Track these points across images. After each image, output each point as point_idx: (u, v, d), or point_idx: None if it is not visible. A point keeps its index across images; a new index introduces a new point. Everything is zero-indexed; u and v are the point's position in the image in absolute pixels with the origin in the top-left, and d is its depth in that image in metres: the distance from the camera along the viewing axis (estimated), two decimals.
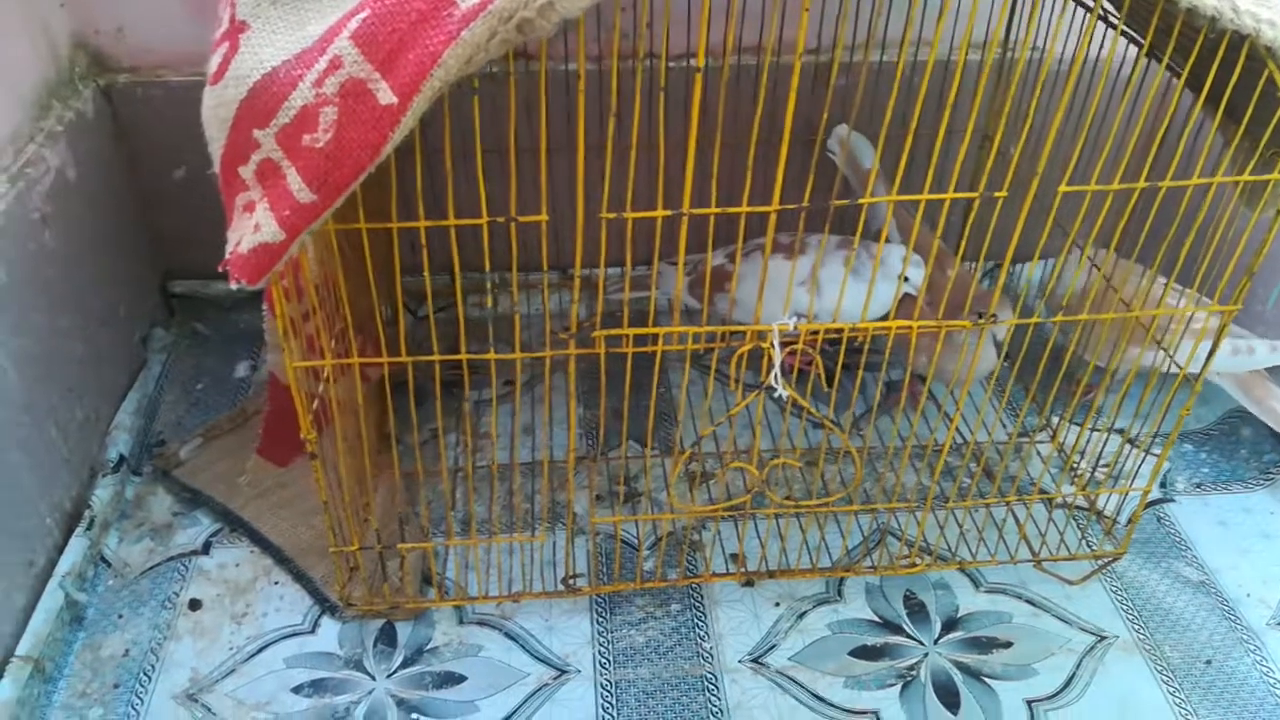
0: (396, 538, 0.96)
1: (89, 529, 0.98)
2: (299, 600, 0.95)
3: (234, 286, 0.60)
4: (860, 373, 0.91)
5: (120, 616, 0.93)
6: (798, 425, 1.13)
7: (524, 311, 1.28)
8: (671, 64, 1.16)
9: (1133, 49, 0.77)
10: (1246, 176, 0.75)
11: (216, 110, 0.63)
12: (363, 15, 0.57)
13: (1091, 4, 0.68)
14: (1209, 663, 0.91)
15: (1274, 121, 0.70)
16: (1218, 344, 0.84)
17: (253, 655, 0.90)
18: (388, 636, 0.92)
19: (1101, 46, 0.75)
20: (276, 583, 0.97)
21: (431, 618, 0.93)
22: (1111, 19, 0.77)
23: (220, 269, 0.61)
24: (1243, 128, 0.74)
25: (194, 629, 0.92)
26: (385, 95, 0.57)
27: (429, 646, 0.91)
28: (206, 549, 1.00)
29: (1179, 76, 0.73)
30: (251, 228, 0.59)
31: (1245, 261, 0.79)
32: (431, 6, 0.56)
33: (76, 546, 0.96)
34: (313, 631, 0.92)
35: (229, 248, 0.60)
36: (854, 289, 0.94)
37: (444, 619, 0.93)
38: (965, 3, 0.69)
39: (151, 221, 1.23)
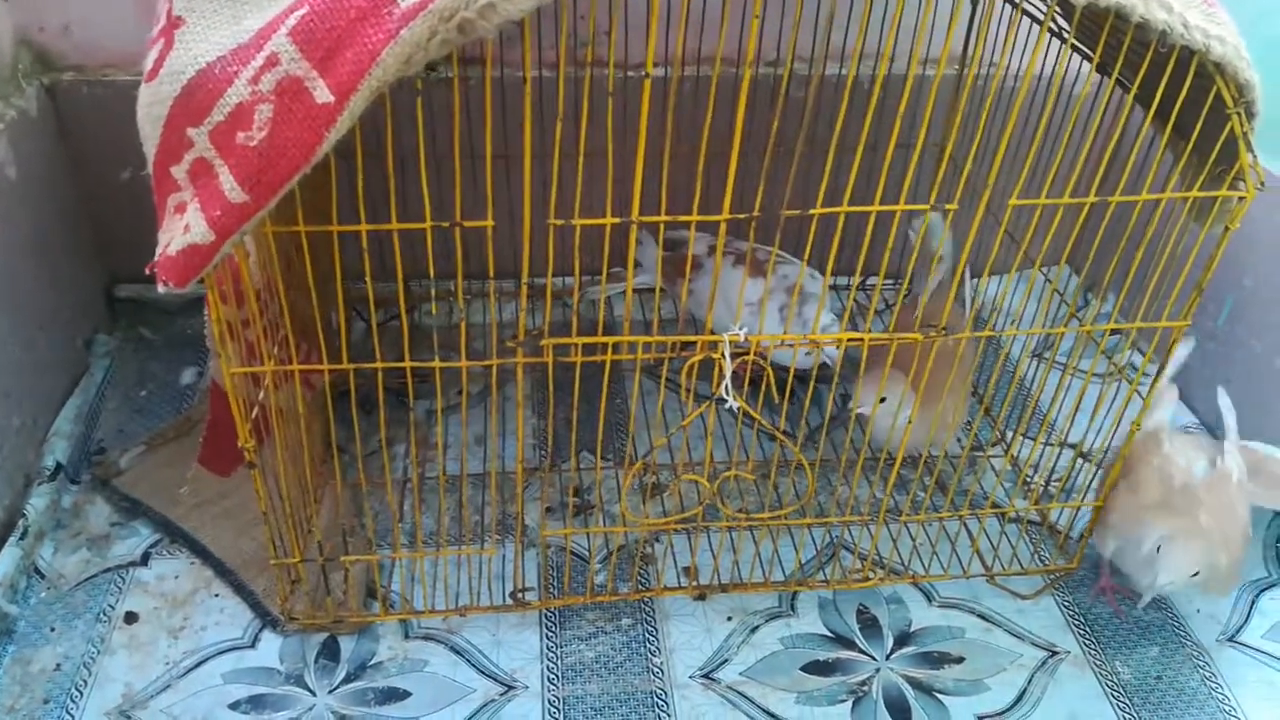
0: (340, 550, 0.94)
1: (23, 538, 0.94)
2: (239, 613, 0.92)
3: (161, 289, 0.58)
4: (812, 384, 0.90)
5: (52, 629, 0.90)
6: (751, 437, 1.12)
7: (477, 321, 1.27)
8: (630, 74, 1.15)
9: (1085, 65, 0.77)
10: (1195, 193, 0.75)
11: (151, 108, 0.61)
12: (301, 12, 0.56)
13: (1042, 18, 0.67)
14: (1159, 679, 0.91)
15: (1222, 138, 0.71)
16: (1168, 357, 0.85)
17: (189, 670, 0.87)
18: (330, 651, 0.90)
19: (1056, 61, 0.76)
20: (216, 595, 0.94)
21: (376, 632, 0.91)
22: (1063, 33, 0.77)
23: (147, 271, 0.59)
24: (1191, 144, 0.74)
25: (129, 643, 0.89)
26: (322, 94, 0.55)
27: (373, 661, 0.89)
28: (145, 560, 0.97)
29: (1129, 92, 0.73)
30: (181, 229, 0.57)
31: (1195, 276, 0.80)
32: (371, 4, 0.55)
33: (9, 556, 0.92)
34: (253, 646, 0.90)
35: (158, 249, 0.59)
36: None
37: (389, 633, 0.91)
38: (919, 17, 0.68)
39: (96, 223, 1.20)
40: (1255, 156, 0.72)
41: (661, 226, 0.68)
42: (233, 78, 0.56)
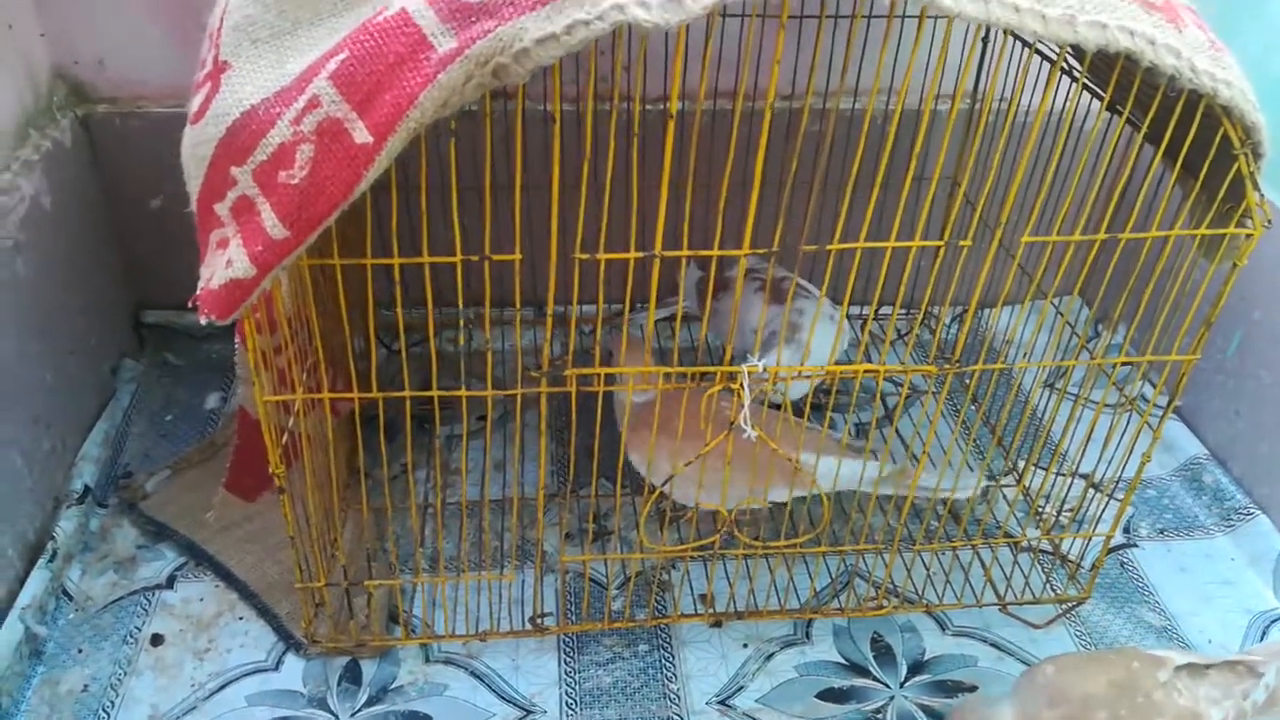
0: (364, 574, 0.95)
1: (51, 561, 0.96)
2: (263, 636, 0.94)
3: (203, 322, 0.60)
4: (828, 414, 0.91)
5: (80, 651, 0.92)
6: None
7: (499, 347, 1.29)
8: (649, 107, 1.18)
9: (1096, 102, 0.79)
10: (1203, 230, 0.77)
11: (196, 149, 0.63)
12: (342, 56, 0.58)
13: (1054, 58, 0.70)
14: None
15: (1229, 177, 0.73)
16: (1178, 392, 0.86)
17: (214, 692, 0.89)
18: (352, 674, 0.91)
19: (1067, 99, 0.77)
20: (241, 618, 0.96)
21: (397, 656, 0.93)
22: (1074, 72, 0.79)
23: (190, 304, 0.61)
24: (1199, 182, 0.76)
25: (155, 665, 0.91)
26: (361, 134, 0.57)
27: (394, 685, 0.90)
28: (171, 583, 0.99)
29: (1139, 130, 0.75)
30: (224, 263, 0.60)
31: (1204, 311, 0.81)
32: (409, 50, 0.57)
33: (38, 579, 0.94)
34: (276, 669, 0.91)
35: (200, 284, 0.61)
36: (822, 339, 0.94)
37: (410, 657, 0.93)
38: (935, 54, 0.71)
39: (125, 251, 1.23)
40: (1262, 195, 0.74)
41: (683, 262, 0.70)
42: (276, 119, 0.59)
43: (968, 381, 1.25)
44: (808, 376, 0.96)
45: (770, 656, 0.94)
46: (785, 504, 0.95)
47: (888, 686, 0.92)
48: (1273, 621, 1.01)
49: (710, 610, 0.97)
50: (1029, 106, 0.85)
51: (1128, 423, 0.91)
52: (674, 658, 0.94)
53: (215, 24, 0.65)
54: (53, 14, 1.09)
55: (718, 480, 0.86)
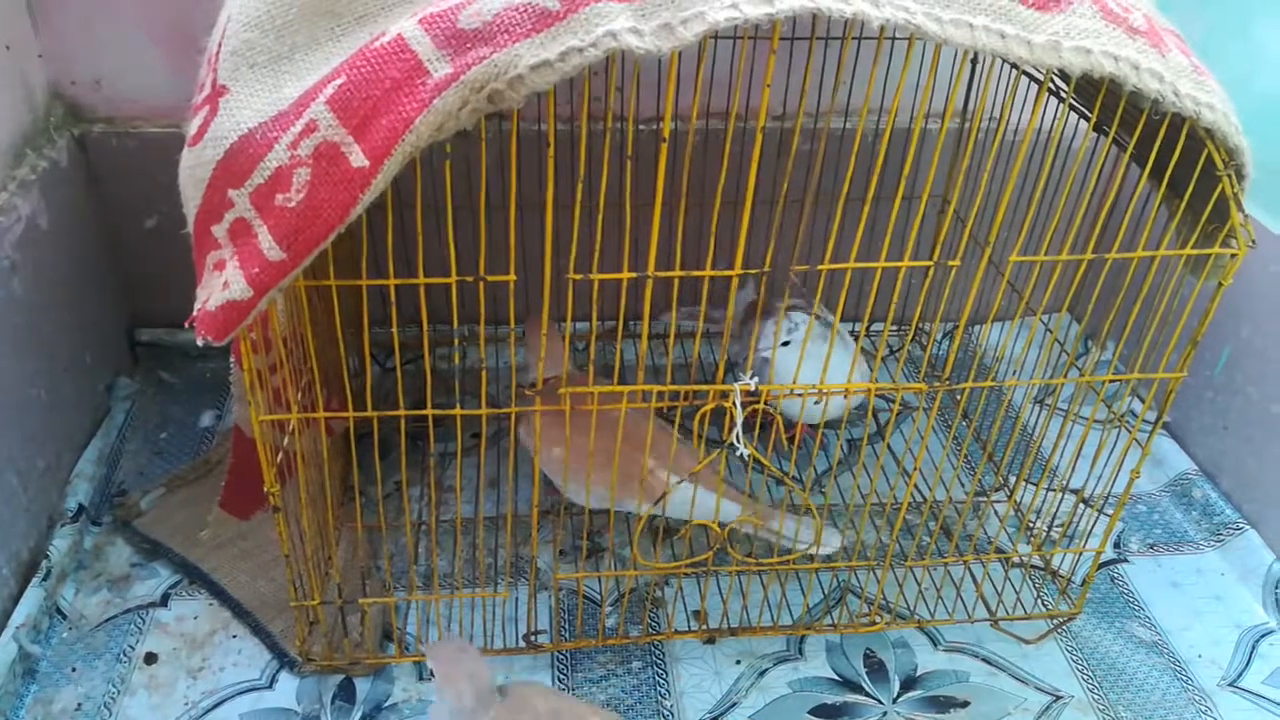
0: (358, 592, 0.96)
1: (45, 579, 0.96)
2: (257, 654, 0.94)
3: (200, 343, 0.61)
4: (820, 431, 0.92)
5: (74, 670, 0.92)
6: (760, 482, 1.14)
7: (493, 364, 1.29)
8: (643, 127, 1.19)
9: (1084, 122, 0.80)
10: (1189, 250, 0.78)
11: (194, 171, 0.64)
12: (339, 81, 0.59)
13: (1041, 78, 0.71)
14: None
15: (1214, 197, 0.74)
16: (1165, 409, 0.87)
17: (208, 711, 0.89)
18: (346, 692, 0.91)
19: (1054, 119, 0.79)
20: (235, 636, 0.96)
21: (391, 673, 0.93)
22: (1061, 93, 0.80)
23: (187, 325, 0.61)
24: (1184, 202, 0.77)
25: (149, 683, 0.91)
26: (358, 158, 0.58)
27: (388, 703, 0.90)
28: (165, 601, 0.99)
29: (1125, 151, 0.76)
30: (220, 285, 0.60)
31: (1191, 327, 0.82)
32: (405, 75, 0.58)
33: (32, 597, 0.94)
34: (270, 687, 0.91)
35: (197, 305, 0.61)
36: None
37: (404, 675, 0.93)
38: (924, 74, 0.72)
39: (121, 269, 1.23)
40: (1246, 216, 0.75)
41: (676, 282, 0.70)
42: (273, 143, 0.59)
43: (958, 398, 1.26)
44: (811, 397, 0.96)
45: (763, 673, 0.95)
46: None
47: (880, 702, 0.93)
48: (1262, 636, 1.01)
49: (703, 626, 0.97)
50: (1017, 125, 0.86)
51: (1117, 438, 0.92)
52: (667, 674, 0.94)
53: (213, 48, 0.66)
54: (50, 34, 1.10)
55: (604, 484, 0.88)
